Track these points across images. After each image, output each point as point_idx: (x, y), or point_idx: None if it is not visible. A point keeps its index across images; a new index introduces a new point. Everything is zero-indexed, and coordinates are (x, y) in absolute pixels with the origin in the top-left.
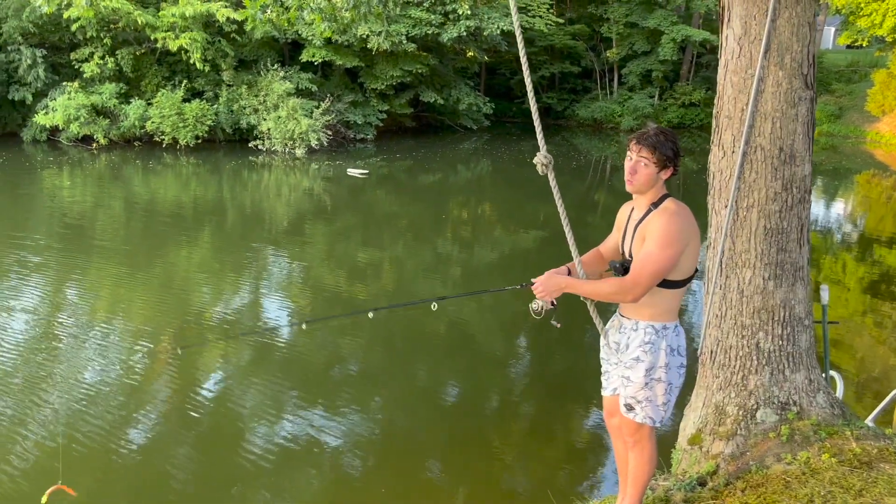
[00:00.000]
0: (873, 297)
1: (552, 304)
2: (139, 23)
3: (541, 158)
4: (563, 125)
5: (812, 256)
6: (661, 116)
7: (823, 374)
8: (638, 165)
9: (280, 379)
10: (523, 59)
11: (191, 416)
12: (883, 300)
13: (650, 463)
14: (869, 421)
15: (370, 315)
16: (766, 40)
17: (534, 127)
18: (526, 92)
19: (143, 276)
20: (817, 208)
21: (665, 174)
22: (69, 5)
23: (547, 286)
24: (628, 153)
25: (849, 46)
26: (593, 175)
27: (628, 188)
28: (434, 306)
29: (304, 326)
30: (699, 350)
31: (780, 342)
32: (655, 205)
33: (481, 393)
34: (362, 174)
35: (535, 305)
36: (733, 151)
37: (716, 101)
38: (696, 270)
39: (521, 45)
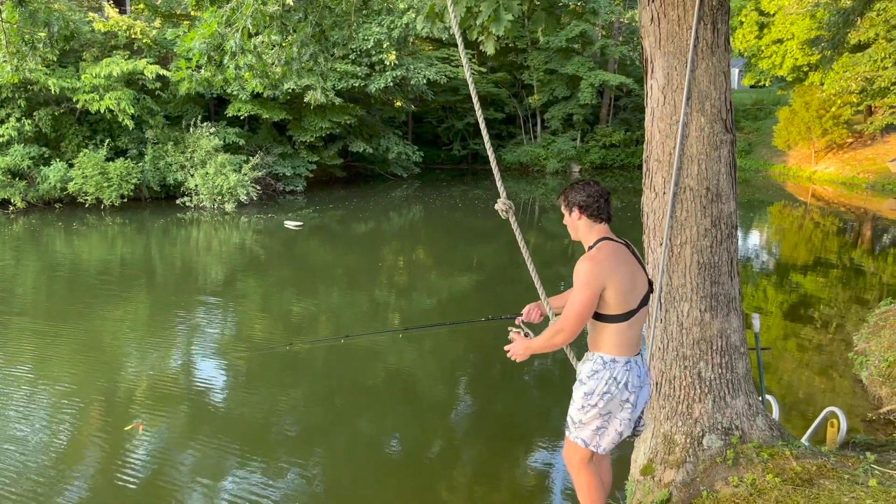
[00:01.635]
0: (794, 322)
1: (527, 335)
2: (54, 91)
3: (500, 205)
4: (490, 169)
5: (748, 290)
6: (583, 158)
7: (760, 398)
8: (565, 219)
9: (218, 440)
10: (477, 107)
11: (124, 483)
12: (803, 324)
13: (588, 489)
14: (804, 440)
15: (342, 341)
16: (688, 89)
17: (462, 172)
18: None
19: (69, 340)
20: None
21: (576, 215)
22: None
23: (517, 351)
24: None
25: (752, 86)
26: (522, 216)
27: (572, 238)
28: (401, 335)
29: (288, 347)
30: None
31: (720, 370)
32: (589, 249)
33: (425, 440)
34: (297, 226)
35: (514, 334)
36: (664, 192)
37: (645, 146)
38: (642, 305)
39: (474, 95)
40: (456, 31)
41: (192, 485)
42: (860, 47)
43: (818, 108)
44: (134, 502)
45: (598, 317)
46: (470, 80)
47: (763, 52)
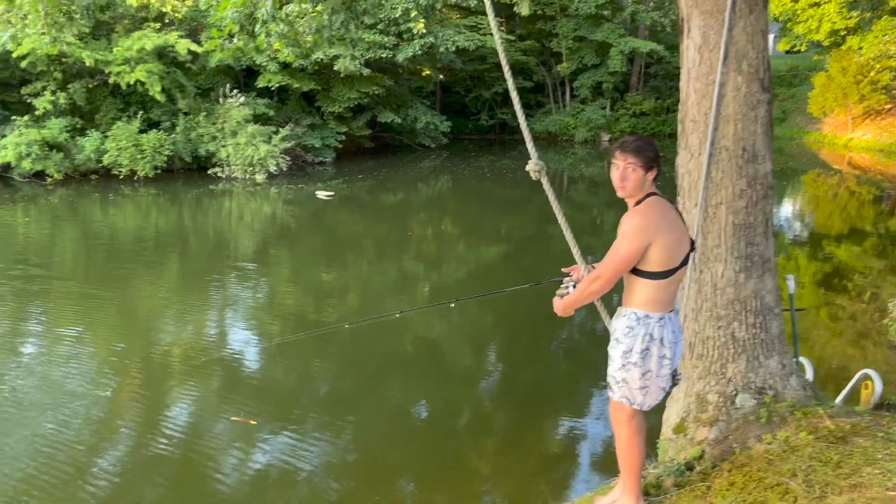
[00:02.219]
0: (827, 290)
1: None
2: (88, 63)
3: (532, 165)
4: (519, 139)
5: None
6: (613, 127)
7: (794, 359)
8: (626, 171)
9: (250, 406)
10: (507, 71)
11: (160, 447)
12: (837, 292)
13: (630, 445)
14: (837, 402)
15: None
16: (725, 48)
17: (490, 142)
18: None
19: (107, 305)
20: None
21: (651, 175)
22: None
23: (557, 308)
24: (614, 163)
25: (788, 52)
26: (551, 187)
27: (620, 194)
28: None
29: (346, 326)
30: None
31: (754, 330)
32: (638, 203)
33: (453, 409)
34: (328, 196)
35: (562, 292)
36: (700, 153)
37: (680, 106)
38: (684, 264)
39: (503, 59)
40: (488, 6)
41: (226, 450)
42: None
43: (856, 74)
44: (169, 466)
45: (637, 272)
46: (499, 46)
47: (799, 15)
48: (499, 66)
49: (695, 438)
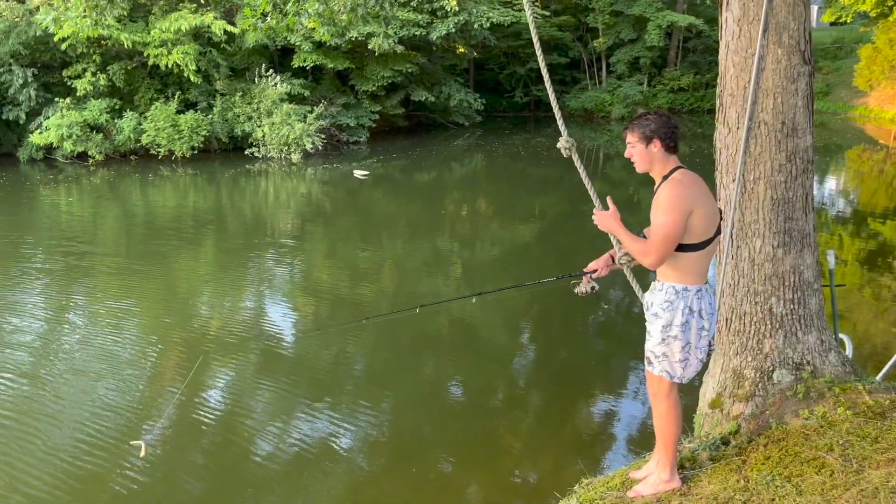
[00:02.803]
0: (871, 269)
1: (593, 288)
2: (126, 45)
3: (563, 143)
4: (554, 116)
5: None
6: (650, 103)
7: (834, 335)
8: (630, 150)
9: (288, 384)
10: (538, 50)
11: (202, 423)
12: (881, 271)
13: (667, 418)
14: (879, 378)
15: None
16: (764, 20)
17: (524, 119)
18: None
19: (148, 281)
20: (816, 185)
21: (655, 146)
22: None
23: (601, 221)
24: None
25: (833, 23)
26: (586, 164)
27: (639, 170)
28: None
29: (417, 310)
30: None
31: (792, 306)
32: (666, 178)
33: (487, 388)
34: (364, 175)
35: (581, 289)
36: (738, 127)
37: (719, 80)
38: (718, 233)
39: (534, 35)
40: None
41: (264, 424)
42: None
43: None
44: (210, 437)
45: (678, 246)
46: (531, 20)
47: None
48: (533, 42)
49: (731, 413)
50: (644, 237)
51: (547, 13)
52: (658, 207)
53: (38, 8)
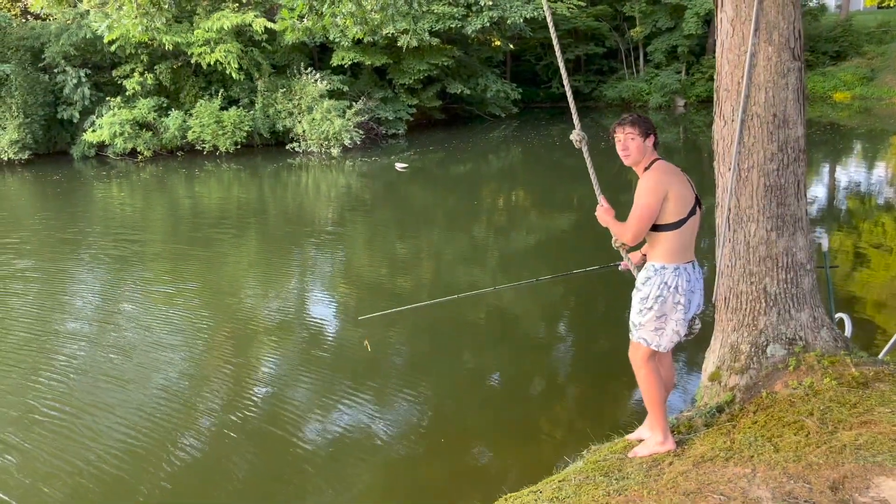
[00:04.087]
0: None
1: (628, 271)
2: (168, 47)
3: (575, 136)
4: (592, 106)
5: (851, 219)
6: (689, 91)
7: (836, 315)
8: (627, 141)
9: (329, 371)
10: (556, 43)
11: (246, 407)
12: None
13: (647, 382)
14: (881, 357)
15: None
16: (755, 20)
17: (562, 110)
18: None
19: (196, 271)
20: (855, 172)
21: (650, 141)
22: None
23: (599, 217)
24: (615, 137)
25: (879, 6)
26: None
27: (626, 163)
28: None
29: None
30: (713, 298)
31: (785, 286)
32: (647, 168)
33: (526, 377)
34: (403, 168)
35: (621, 267)
36: (733, 120)
37: (715, 76)
38: (692, 214)
39: (553, 32)
40: None
41: (307, 411)
42: None
43: None
44: (254, 423)
45: (655, 227)
46: (549, 16)
47: None
48: (570, 32)
49: (727, 385)
50: None
51: (583, 3)
52: (640, 192)
53: (87, 12)
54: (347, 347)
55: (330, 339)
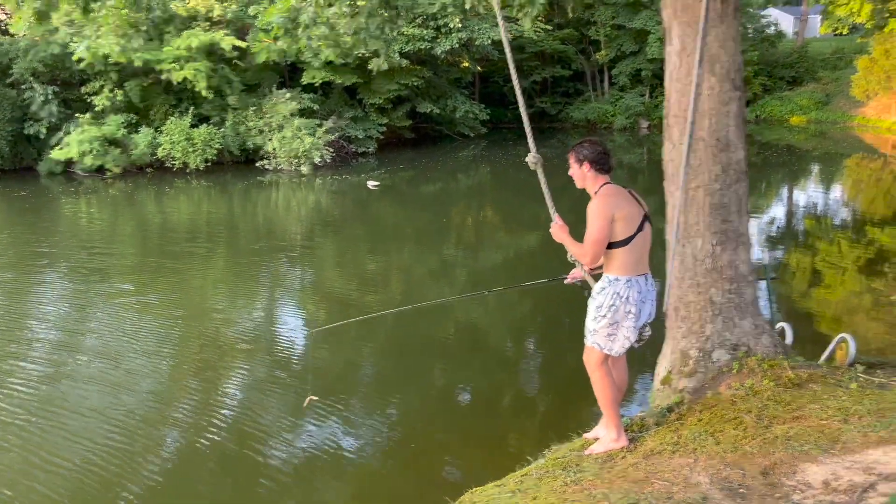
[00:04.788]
0: (868, 276)
1: (580, 282)
2: (138, 64)
3: (530, 158)
4: (558, 128)
5: (805, 237)
6: (652, 113)
7: (778, 325)
8: (571, 169)
9: (296, 387)
10: (512, 69)
11: (211, 428)
12: (876, 278)
13: (601, 384)
14: (820, 362)
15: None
16: (700, 53)
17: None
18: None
19: (163, 288)
20: (814, 193)
21: (586, 167)
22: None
23: (554, 233)
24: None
25: (834, 34)
26: None
27: (577, 186)
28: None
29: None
30: (664, 307)
31: (729, 295)
32: (595, 193)
33: (495, 392)
34: (375, 186)
35: (567, 280)
36: (681, 143)
37: (665, 104)
38: (640, 230)
39: (509, 56)
40: (497, 9)
41: (273, 428)
42: None
43: None
44: (221, 438)
45: (609, 245)
46: (506, 42)
47: None
48: (538, 55)
49: (677, 388)
50: None
51: (550, 27)
52: (589, 216)
53: (57, 29)
54: (315, 364)
55: (296, 355)
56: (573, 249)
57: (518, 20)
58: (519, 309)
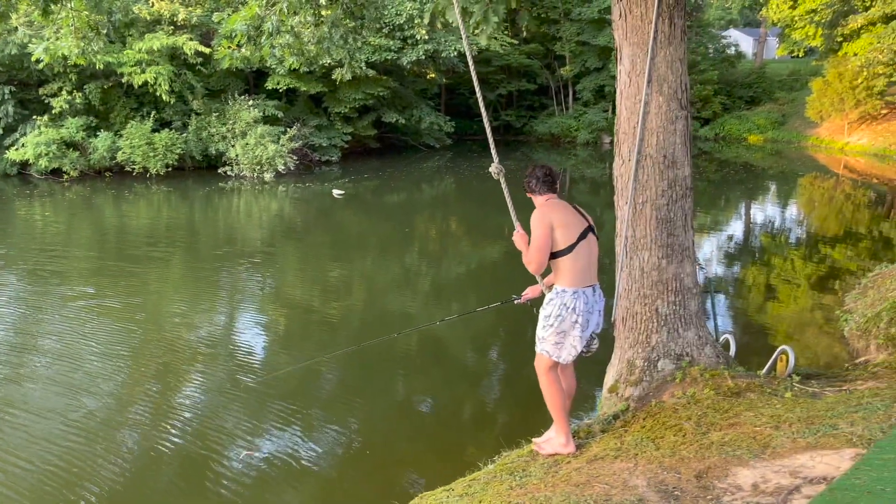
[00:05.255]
0: (820, 291)
1: (528, 302)
2: (98, 66)
3: (493, 168)
4: (523, 141)
5: (764, 256)
6: (613, 129)
7: (722, 336)
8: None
9: (257, 398)
10: (476, 82)
11: (171, 431)
12: (825, 293)
13: (550, 390)
14: (763, 372)
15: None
16: (648, 73)
17: (494, 142)
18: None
19: (120, 295)
20: (769, 211)
21: (530, 194)
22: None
23: (516, 239)
24: None
25: (793, 56)
26: None
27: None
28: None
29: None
30: (612, 318)
31: (674, 307)
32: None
33: (455, 403)
34: (340, 194)
35: (518, 301)
36: (629, 159)
37: (615, 121)
38: (581, 238)
39: (472, 70)
40: (461, 25)
41: (232, 441)
42: (889, 18)
43: (852, 80)
44: (179, 449)
45: (553, 255)
46: (469, 57)
47: (796, 22)
48: (503, 68)
49: (623, 395)
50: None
51: (516, 41)
52: (531, 227)
53: (16, 28)
54: (272, 379)
55: (255, 366)
56: (525, 258)
57: (475, 35)
58: (481, 323)
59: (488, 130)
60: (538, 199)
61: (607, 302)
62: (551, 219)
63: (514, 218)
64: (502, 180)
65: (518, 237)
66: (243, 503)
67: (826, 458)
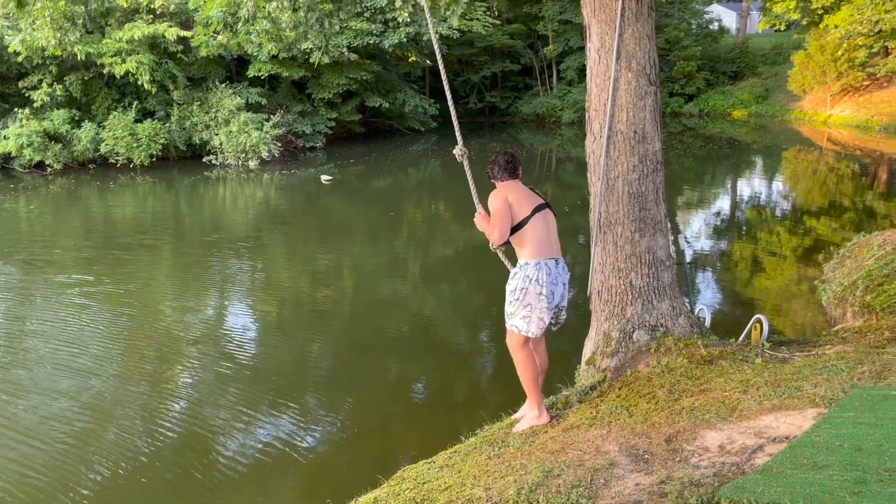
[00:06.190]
0: (802, 264)
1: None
2: (79, 58)
3: (457, 151)
4: (508, 122)
5: (749, 230)
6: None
7: (700, 307)
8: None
9: (250, 384)
10: (441, 66)
11: (165, 420)
12: (807, 265)
13: (523, 365)
14: (740, 341)
15: None
16: (617, 50)
17: (480, 125)
18: (470, 92)
19: (109, 286)
20: (754, 184)
21: (493, 180)
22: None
23: (477, 220)
24: None
25: (776, 30)
26: (540, 168)
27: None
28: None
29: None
30: (589, 292)
31: (648, 279)
32: None
33: (448, 386)
34: (328, 180)
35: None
36: (601, 136)
37: (587, 97)
38: (536, 211)
39: (438, 54)
40: (426, 6)
41: (226, 427)
42: None
43: (833, 52)
44: (171, 444)
45: (512, 230)
46: (437, 50)
47: None
48: (486, 49)
49: (600, 367)
50: None
51: (498, 22)
52: (490, 205)
53: None
54: (267, 361)
55: (248, 353)
56: (487, 230)
57: (448, 15)
58: (471, 301)
59: (453, 114)
60: (500, 183)
61: (585, 277)
62: (507, 194)
63: (475, 200)
64: (465, 163)
65: (479, 217)
66: (234, 490)
67: (790, 419)
